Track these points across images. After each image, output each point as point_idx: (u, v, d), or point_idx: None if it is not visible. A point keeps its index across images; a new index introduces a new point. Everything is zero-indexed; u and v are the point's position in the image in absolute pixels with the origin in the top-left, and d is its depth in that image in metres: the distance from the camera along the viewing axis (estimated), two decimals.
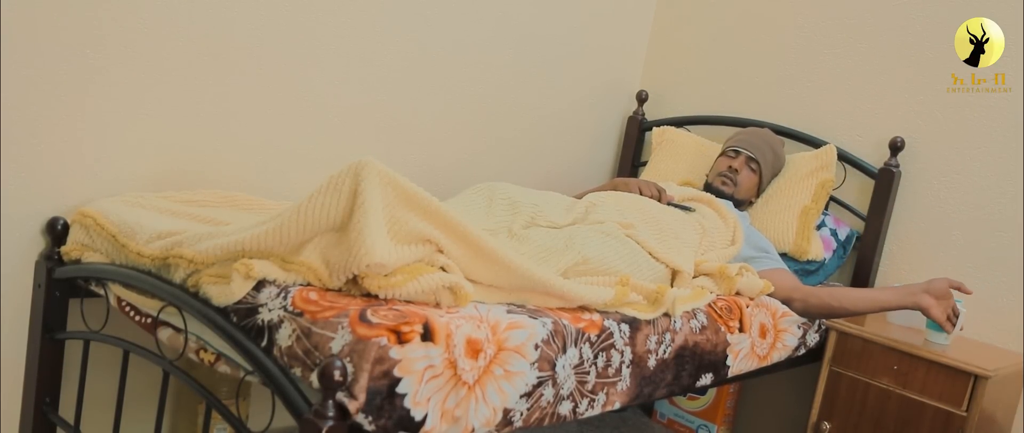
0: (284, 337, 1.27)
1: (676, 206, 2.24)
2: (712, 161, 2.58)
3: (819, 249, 2.39)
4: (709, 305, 1.88)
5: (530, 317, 1.45)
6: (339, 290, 1.37)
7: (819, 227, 2.45)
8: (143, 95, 1.83)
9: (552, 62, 2.72)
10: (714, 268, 1.98)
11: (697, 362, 1.81)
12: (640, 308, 1.70)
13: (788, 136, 2.62)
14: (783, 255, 2.37)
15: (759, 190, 2.48)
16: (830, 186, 2.46)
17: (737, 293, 1.99)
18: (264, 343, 1.30)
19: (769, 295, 2.06)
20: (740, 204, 2.43)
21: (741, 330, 1.92)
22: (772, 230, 2.40)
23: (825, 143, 2.54)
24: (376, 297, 1.35)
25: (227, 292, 1.34)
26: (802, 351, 2.16)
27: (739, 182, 2.41)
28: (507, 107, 2.64)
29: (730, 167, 2.43)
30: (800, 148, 2.60)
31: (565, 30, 2.73)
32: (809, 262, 2.39)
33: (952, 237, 2.34)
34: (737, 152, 2.45)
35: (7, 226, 1.69)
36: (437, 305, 1.38)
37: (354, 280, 1.36)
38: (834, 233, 2.45)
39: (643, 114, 2.97)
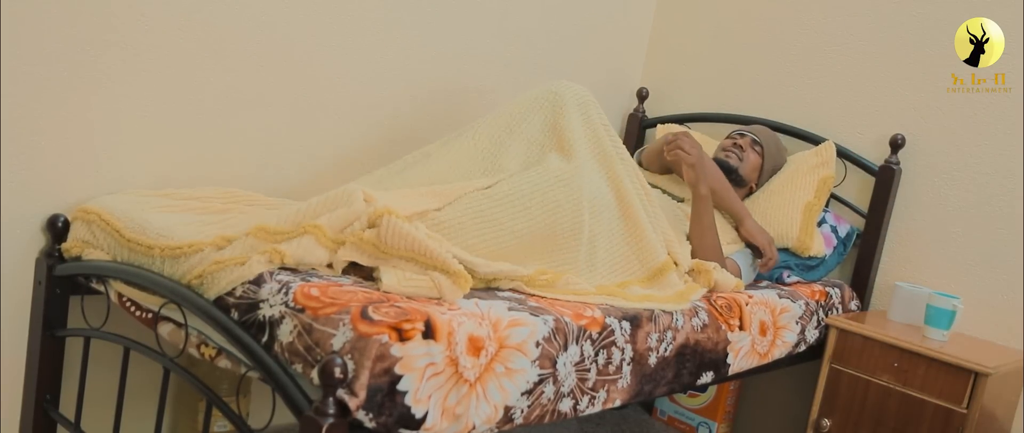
0: (285, 333, 1.27)
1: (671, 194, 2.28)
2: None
3: (821, 245, 2.39)
4: (710, 303, 1.89)
5: (532, 315, 1.45)
6: (341, 286, 1.38)
7: (820, 224, 2.45)
8: (143, 93, 1.83)
9: (552, 59, 2.72)
10: (695, 264, 2.00)
11: (698, 360, 1.81)
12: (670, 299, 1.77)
13: (789, 133, 2.62)
14: (786, 250, 2.37)
15: (760, 177, 2.48)
16: (831, 182, 2.46)
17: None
18: (265, 339, 1.30)
19: None
20: (742, 184, 2.43)
21: (741, 328, 1.92)
22: (776, 225, 2.39)
23: (825, 140, 2.54)
24: (379, 291, 1.36)
25: (239, 273, 1.37)
26: (802, 348, 2.17)
27: (744, 158, 2.42)
28: None
29: (735, 144, 2.45)
30: (801, 146, 2.60)
31: (565, 27, 2.73)
32: (810, 258, 2.40)
33: (952, 234, 2.35)
34: (742, 134, 2.47)
35: (7, 223, 1.69)
36: (439, 301, 1.39)
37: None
38: (834, 230, 2.45)
39: (644, 111, 2.97)
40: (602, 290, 1.71)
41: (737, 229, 2.26)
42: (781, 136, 2.60)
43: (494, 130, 1.87)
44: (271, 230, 1.45)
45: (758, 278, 2.28)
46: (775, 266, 2.27)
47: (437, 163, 1.84)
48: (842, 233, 2.46)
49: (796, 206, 2.41)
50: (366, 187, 1.55)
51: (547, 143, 1.86)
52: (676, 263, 1.93)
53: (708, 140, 2.75)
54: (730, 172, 2.36)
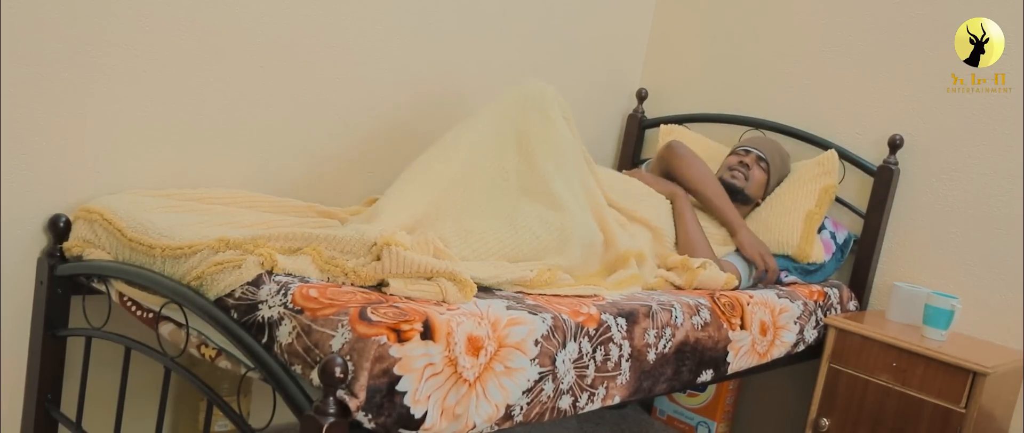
0: (284, 334, 1.28)
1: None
2: (717, 161, 2.58)
3: (820, 252, 2.39)
4: (714, 301, 1.89)
5: (530, 313, 1.46)
6: (341, 284, 1.38)
7: (819, 230, 2.45)
8: (144, 93, 1.83)
9: (552, 59, 2.72)
10: (677, 261, 2.01)
11: (698, 358, 1.81)
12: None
13: (788, 134, 2.62)
14: (785, 257, 2.38)
15: (766, 191, 2.48)
16: (833, 191, 2.45)
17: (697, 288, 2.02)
18: (265, 340, 1.30)
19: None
20: (748, 202, 2.43)
21: (742, 327, 1.93)
22: (777, 232, 2.39)
23: (825, 141, 2.55)
24: (379, 292, 1.36)
25: (237, 276, 1.36)
26: (801, 348, 2.17)
27: (750, 177, 2.42)
28: None
29: (741, 162, 2.44)
30: (800, 146, 2.61)
31: (565, 27, 2.73)
32: (809, 264, 2.40)
33: (951, 234, 2.35)
34: (747, 151, 2.47)
35: (9, 223, 1.70)
36: (440, 303, 1.39)
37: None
38: (833, 236, 2.46)
39: (643, 112, 2.97)
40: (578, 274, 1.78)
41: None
42: (780, 137, 2.60)
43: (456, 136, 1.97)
44: (272, 248, 1.45)
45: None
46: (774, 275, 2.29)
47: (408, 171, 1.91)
48: (840, 240, 2.46)
49: (798, 214, 2.41)
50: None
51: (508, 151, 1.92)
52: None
53: (708, 141, 2.75)
54: (736, 193, 2.37)
